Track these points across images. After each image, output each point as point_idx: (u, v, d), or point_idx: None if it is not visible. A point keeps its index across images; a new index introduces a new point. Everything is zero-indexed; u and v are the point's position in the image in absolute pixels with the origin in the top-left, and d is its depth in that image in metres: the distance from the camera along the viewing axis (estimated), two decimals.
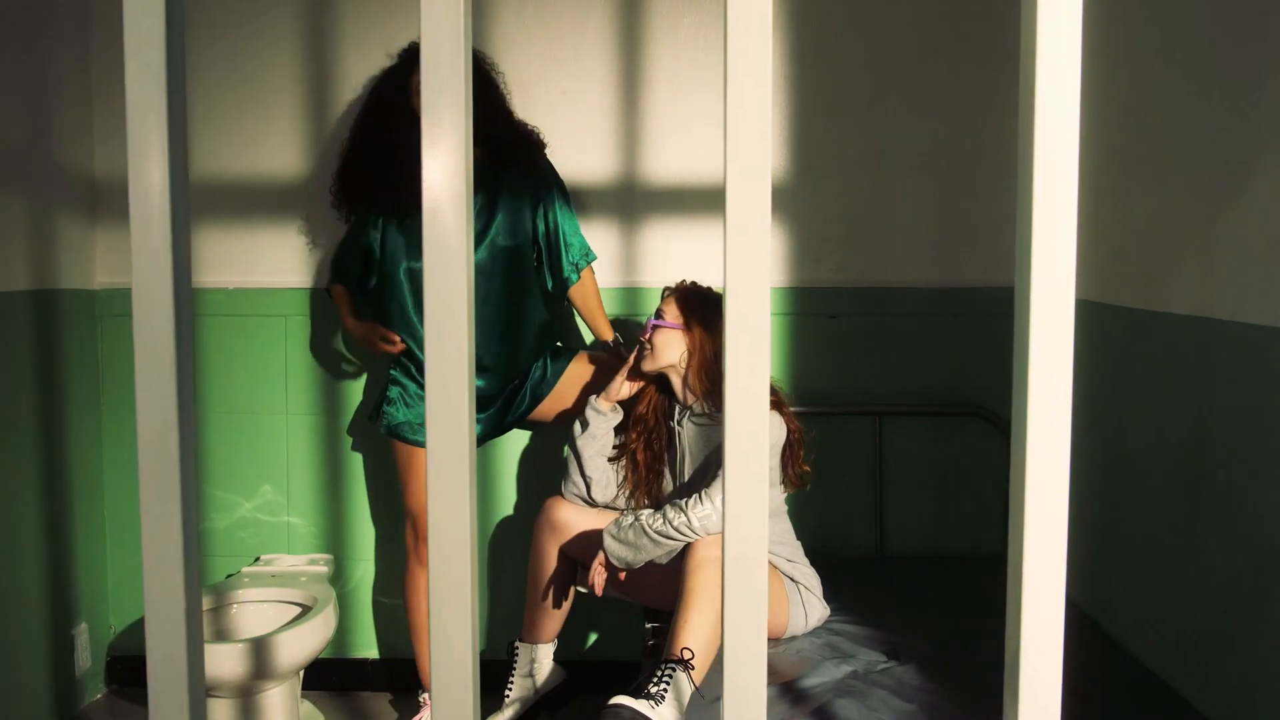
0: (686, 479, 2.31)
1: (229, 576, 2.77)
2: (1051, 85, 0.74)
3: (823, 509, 2.78)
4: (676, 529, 2.07)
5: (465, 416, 0.75)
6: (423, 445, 2.44)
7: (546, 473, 2.75)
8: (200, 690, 0.79)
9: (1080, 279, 0.75)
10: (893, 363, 2.81)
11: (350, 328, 2.56)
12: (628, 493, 2.39)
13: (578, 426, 2.41)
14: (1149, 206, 2.15)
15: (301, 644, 2.42)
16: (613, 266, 2.78)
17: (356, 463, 2.89)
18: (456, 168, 0.74)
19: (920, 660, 2.05)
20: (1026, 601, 0.77)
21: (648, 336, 2.31)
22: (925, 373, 2.81)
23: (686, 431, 2.31)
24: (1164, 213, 2.09)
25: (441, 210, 0.75)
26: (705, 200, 2.78)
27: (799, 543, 2.30)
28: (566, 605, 2.44)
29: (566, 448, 2.46)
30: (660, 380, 2.37)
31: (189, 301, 0.78)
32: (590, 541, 2.28)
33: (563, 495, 2.43)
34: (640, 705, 1.79)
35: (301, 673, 2.58)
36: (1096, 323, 2.33)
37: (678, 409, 2.34)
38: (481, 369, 2.49)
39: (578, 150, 2.75)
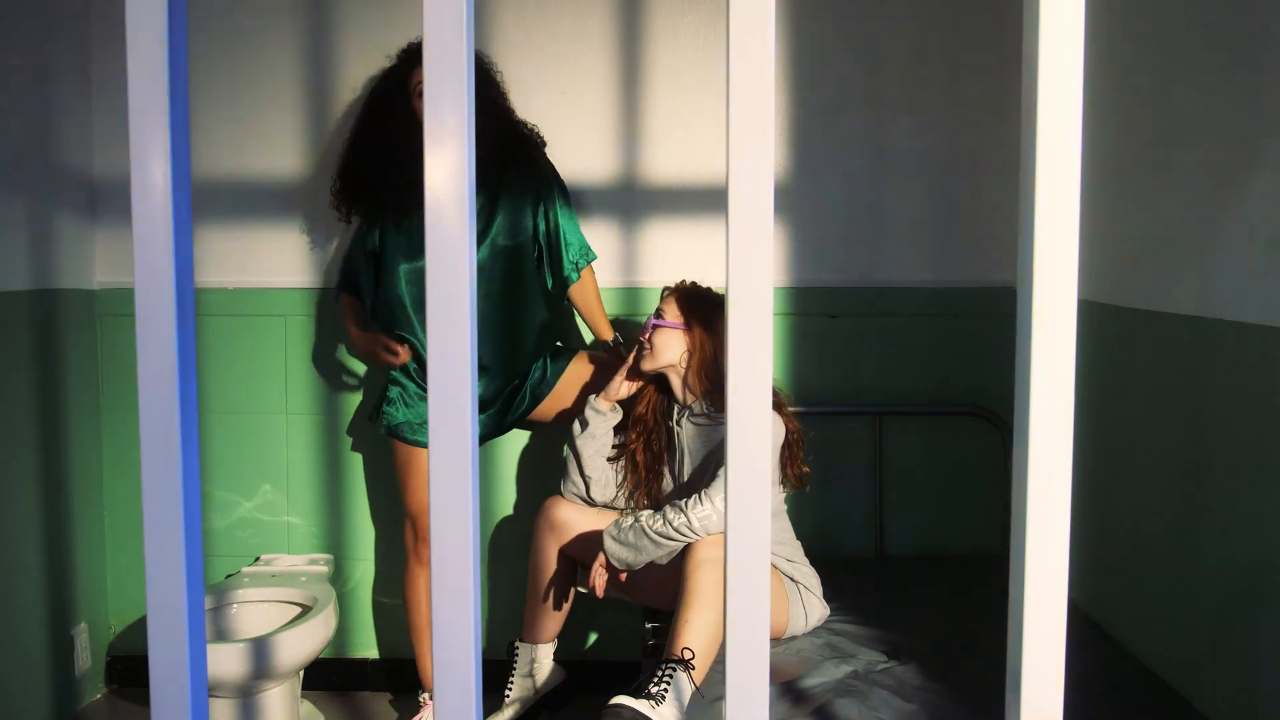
0: (685, 479, 2.31)
1: (229, 576, 2.77)
2: (1054, 86, 0.74)
3: (823, 509, 2.78)
4: (677, 530, 2.07)
5: (468, 416, 0.75)
6: (422, 445, 2.44)
7: (546, 473, 2.75)
8: (202, 691, 0.79)
9: (1080, 279, 0.75)
10: (893, 363, 2.81)
11: (354, 338, 2.55)
12: (627, 493, 2.39)
13: (577, 426, 2.41)
14: (1149, 207, 2.16)
15: (301, 644, 2.41)
16: (613, 266, 2.78)
17: (356, 463, 2.89)
18: (459, 167, 0.74)
19: (920, 660, 2.05)
20: (1029, 602, 0.77)
21: (647, 336, 2.31)
22: (925, 373, 2.81)
23: (685, 431, 2.31)
24: (1164, 213, 2.09)
25: (444, 210, 0.74)
26: (705, 200, 2.78)
27: (799, 542, 2.30)
28: (567, 605, 2.44)
29: (566, 447, 2.46)
30: (659, 380, 2.37)
31: (191, 300, 0.78)
32: (590, 542, 2.28)
33: (562, 495, 2.43)
34: (641, 705, 1.79)
35: (301, 673, 2.58)
36: (1096, 323, 2.33)
37: (676, 409, 2.34)
38: (481, 369, 2.49)
39: (578, 150, 2.75)
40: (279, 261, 2.82)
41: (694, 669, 1.89)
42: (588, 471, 2.38)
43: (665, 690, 1.83)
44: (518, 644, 2.46)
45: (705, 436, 2.28)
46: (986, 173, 2.76)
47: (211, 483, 2.86)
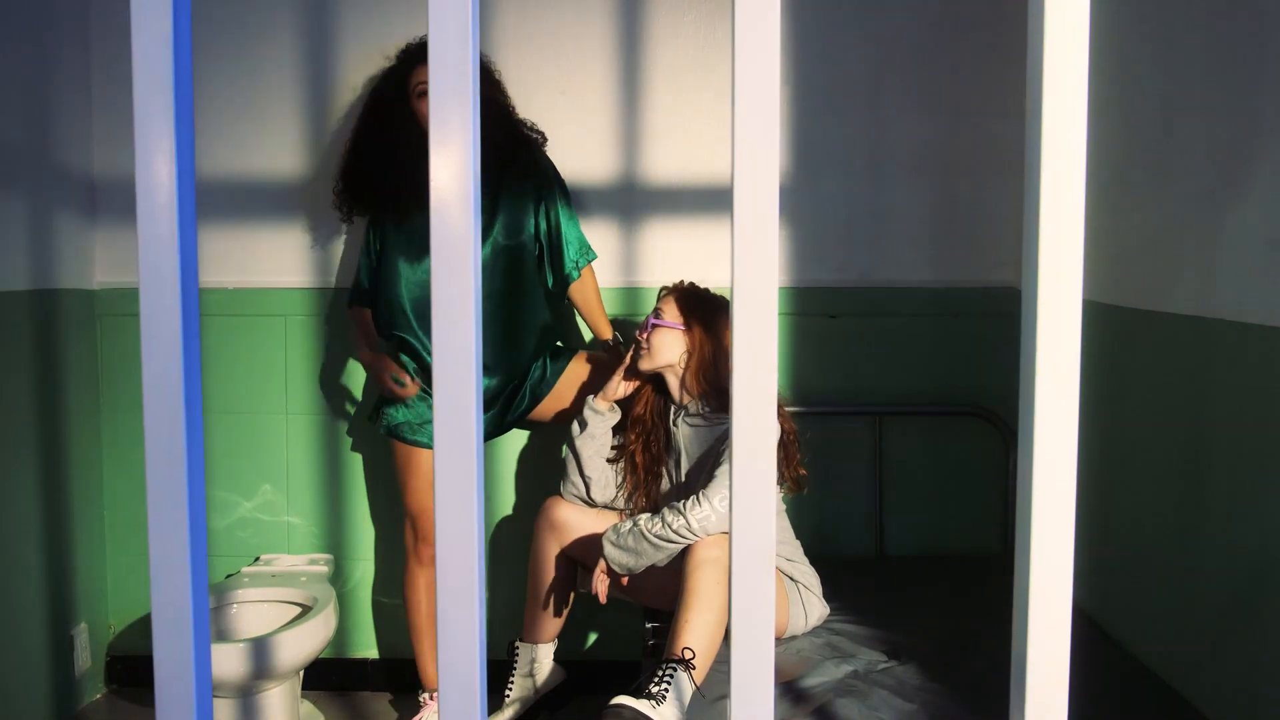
0: (683, 479, 2.31)
1: (229, 576, 2.77)
2: (1058, 85, 0.74)
3: (822, 509, 2.78)
4: (676, 532, 2.06)
5: (472, 415, 0.76)
6: (422, 445, 2.44)
7: (546, 473, 2.75)
8: (207, 690, 0.79)
9: (1082, 279, 0.76)
10: (893, 363, 2.81)
11: (362, 359, 2.55)
12: (627, 494, 2.39)
13: (576, 426, 2.41)
14: (1149, 207, 2.16)
15: (301, 644, 2.41)
16: (613, 266, 2.78)
17: (356, 463, 2.89)
18: (464, 168, 0.74)
19: (921, 660, 2.05)
20: (1033, 601, 0.77)
21: (645, 336, 2.31)
22: (925, 373, 2.81)
23: (682, 432, 2.31)
24: (1164, 213, 2.09)
25: (450, 210, 0.75)
26: (705, 200, 2.78)
27: (799, 542, 2.30)
28: (567, 606, 2.44)
29: (565, 448, 2.46)
30: (656, 380, 2.37)
31: (196, 298, 0.78)
32: (591, 543, 2.28)
33: (562, 495, 2.43)
34: (641, 705, 1.79)
35: (301, 673, 2.58)
36: (1097, 323, 2.33)
37: (673, 409, 2.34)
38: (482, 368, 2.48)
39: (578, 150, 2.75)
40: (279, 261, 2.82)
41: (695, 669, 1.89)
42: (587, 472, 2.38)
43: (666, 690, 1.83)
44: (518, 644, 2.46)
45: (702, 437, 2.28)
46: (987, 173, 2.76)
47: (212, 483, 2.86)
